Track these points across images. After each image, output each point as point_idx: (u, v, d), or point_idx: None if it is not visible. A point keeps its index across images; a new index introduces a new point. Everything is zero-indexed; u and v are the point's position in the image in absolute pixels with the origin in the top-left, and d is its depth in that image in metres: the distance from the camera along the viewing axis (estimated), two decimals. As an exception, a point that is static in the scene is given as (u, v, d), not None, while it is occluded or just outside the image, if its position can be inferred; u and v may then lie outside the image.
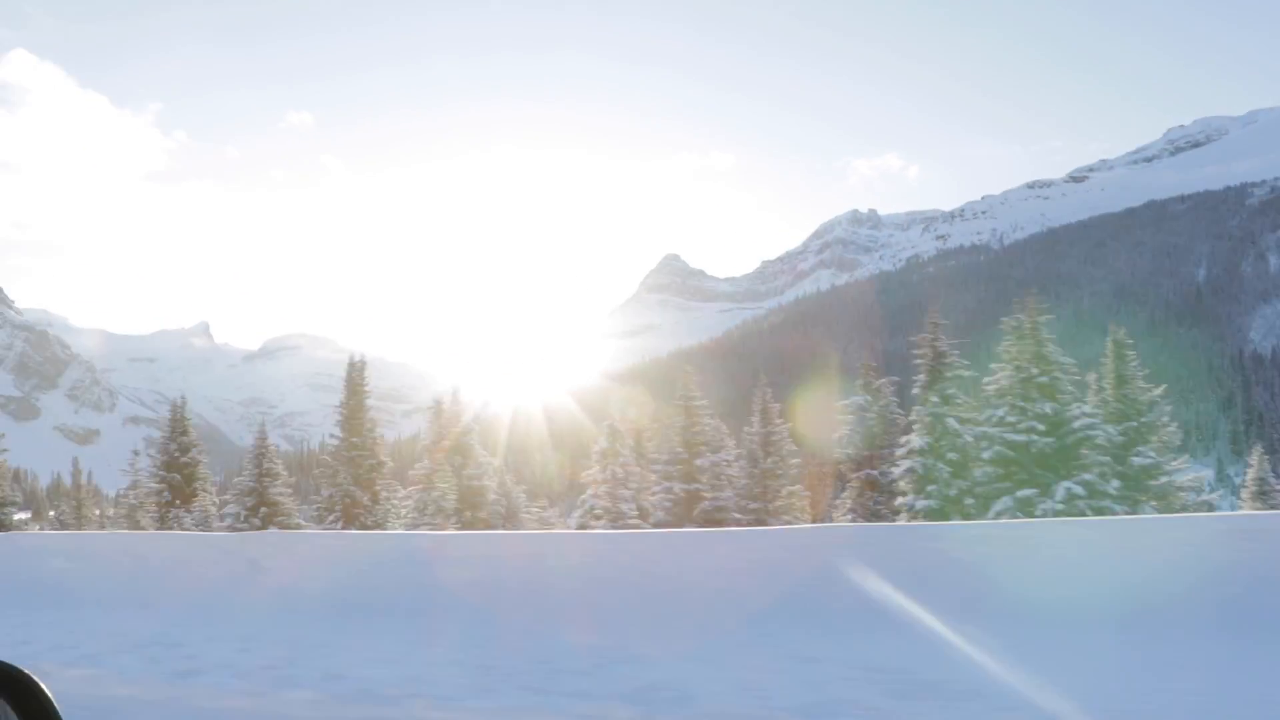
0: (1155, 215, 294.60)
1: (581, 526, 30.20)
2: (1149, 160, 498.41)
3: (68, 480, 65.96)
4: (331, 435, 32.36)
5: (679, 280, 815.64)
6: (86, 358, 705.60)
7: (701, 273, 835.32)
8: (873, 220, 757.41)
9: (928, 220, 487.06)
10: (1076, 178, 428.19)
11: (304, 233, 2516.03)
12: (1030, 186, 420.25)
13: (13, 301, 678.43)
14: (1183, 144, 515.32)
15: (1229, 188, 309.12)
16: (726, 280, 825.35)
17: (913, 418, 28.11)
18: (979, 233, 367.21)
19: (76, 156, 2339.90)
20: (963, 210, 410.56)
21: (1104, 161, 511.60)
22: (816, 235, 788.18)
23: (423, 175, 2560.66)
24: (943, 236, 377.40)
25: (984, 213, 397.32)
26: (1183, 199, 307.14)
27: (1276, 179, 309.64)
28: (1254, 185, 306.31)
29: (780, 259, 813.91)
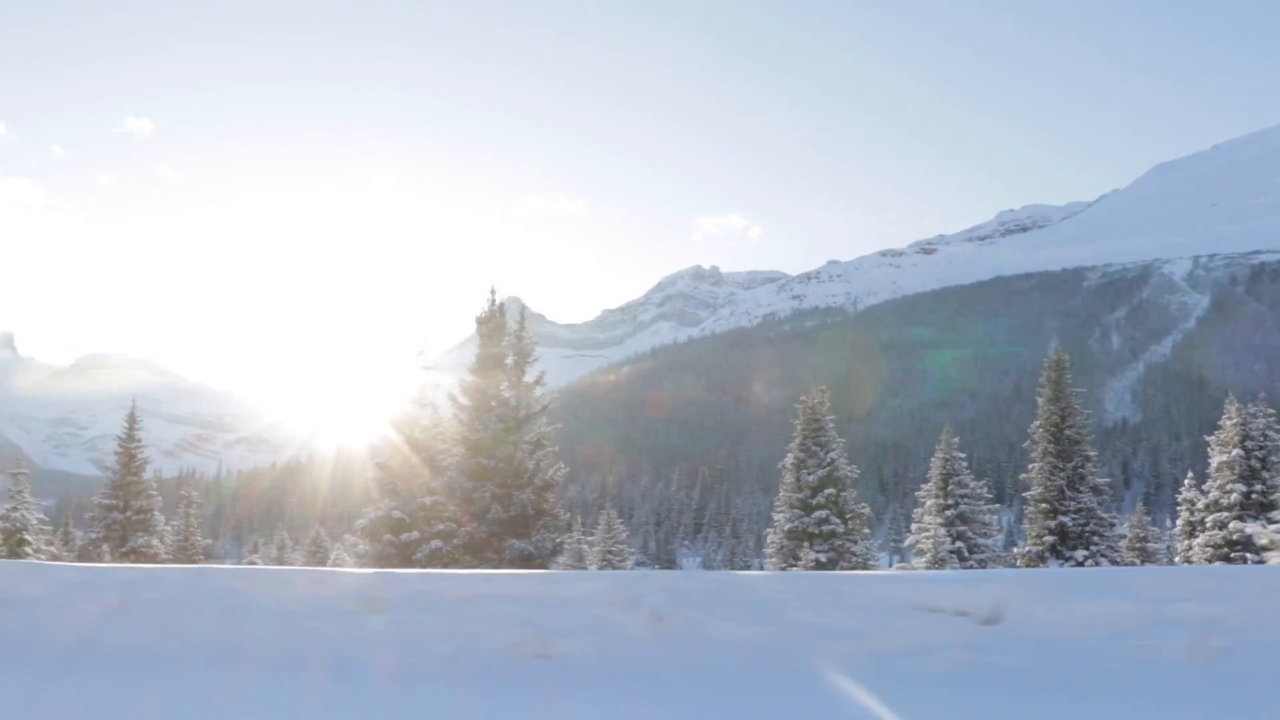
0: (1004, 290, 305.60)
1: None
2: (984, 239, 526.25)
3: None
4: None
5: (519, 323, 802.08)
6: None
7: (541, 317, 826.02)
8: (714, 277, 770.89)
9: (771, 280, 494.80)
10: (926, 249, 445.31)
11: (130, 246, 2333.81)
12: (882, 254, 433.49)
13: None
14: (1013, 226, 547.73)
15: (1066, 269, 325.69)
16: (567, 326, 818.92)
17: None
18: (833, 295, 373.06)
19: None
20: (817, 273, 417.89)
21: (942, 236, 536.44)
22: (658, 288, 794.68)
23: (259, 201, 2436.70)
24: (799, 296, 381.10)
25: (838, 276, 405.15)
26: (1028, 276, 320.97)
27: (1106, 265, 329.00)
28: (1087, 269, 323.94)
29: (621, 309, 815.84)
